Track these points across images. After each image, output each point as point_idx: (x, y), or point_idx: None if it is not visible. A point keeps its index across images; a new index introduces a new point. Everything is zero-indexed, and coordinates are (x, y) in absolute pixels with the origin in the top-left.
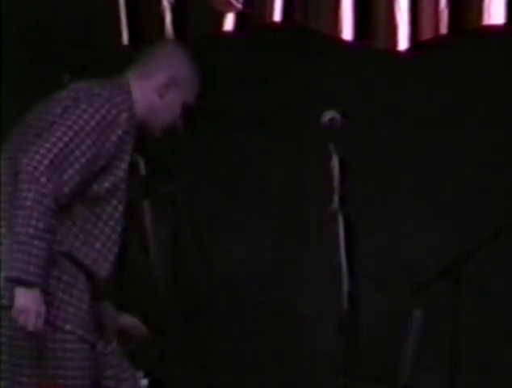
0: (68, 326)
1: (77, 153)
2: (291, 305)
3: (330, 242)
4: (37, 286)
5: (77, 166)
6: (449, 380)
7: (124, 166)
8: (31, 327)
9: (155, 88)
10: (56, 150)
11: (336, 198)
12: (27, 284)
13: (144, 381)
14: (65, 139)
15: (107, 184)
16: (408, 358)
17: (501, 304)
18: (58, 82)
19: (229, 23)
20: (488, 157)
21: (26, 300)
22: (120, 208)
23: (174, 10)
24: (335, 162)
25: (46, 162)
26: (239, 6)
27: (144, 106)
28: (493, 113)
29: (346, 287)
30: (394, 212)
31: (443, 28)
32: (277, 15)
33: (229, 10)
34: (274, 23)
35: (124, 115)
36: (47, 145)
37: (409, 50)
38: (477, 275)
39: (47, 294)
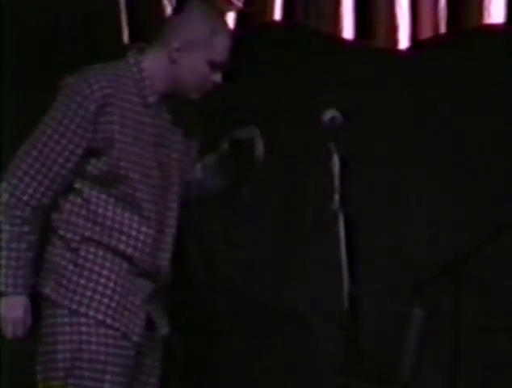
0: (82, 309)
1: (53, 155)
2: (291, 305)
3: (330, 241)
4: (8, 295)
5: (55, 168)
6: (449, 379)
7: (118, 145)
8: (8, 335)
9: (169, 56)
10: (32, 172)
11: (336, 197)
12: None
13: None
14: (34, 153)
15: (105, 167)
16: (408, 357)
17: (502, 303)
18: (58, 83)
19: (230, 21)
20: (489, 156)
21: (2, 309)
22: (129, 191)
23: (175, 9)
24: (336, 161)
25: (17, 192)
26: (239, 4)
27: (165, 76)
28: (494, 113)
29: (346, 286)
30: (394, 212)
31: (443, 27)
32: (277, 14)
33: (230, 9)
34: (274, 22)
35: (99, 93)
36: (24, 166)
37: (409, 49)
38: (477, 274)
39: (62, 278)
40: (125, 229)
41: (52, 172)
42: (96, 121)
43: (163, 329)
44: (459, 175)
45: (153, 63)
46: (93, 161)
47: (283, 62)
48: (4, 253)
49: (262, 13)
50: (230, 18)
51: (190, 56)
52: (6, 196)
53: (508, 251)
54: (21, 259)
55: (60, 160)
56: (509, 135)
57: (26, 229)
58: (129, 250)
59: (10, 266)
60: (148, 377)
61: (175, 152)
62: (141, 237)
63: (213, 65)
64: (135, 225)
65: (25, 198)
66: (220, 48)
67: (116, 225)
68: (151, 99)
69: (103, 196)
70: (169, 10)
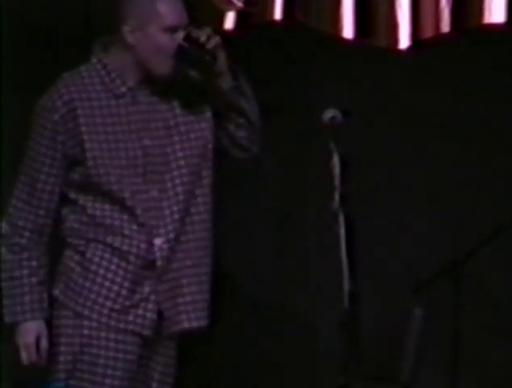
0: (86, 312)
1: (36, 174)
2: (291, 305)
3: (331, 240)
4: (18, 323)
5: (39, 185)
6: (449, 379)
7: (89, 146)
8: (24, 362)
9: (126, 43)
10: (23, 196)
11: (337, 197)
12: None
13: None
14: (22, 178)
15: (88, 170)
16: (408, 357)
17: (502, 303)
18: None
19: (230, 21)
20: (489, 156)
21: (16, 337)
22: (115, 187)
23: None
24: (336, 160)
25: (13, 219)
26: (240, 4)
27: (131, 64)
28: (494, 112)
29: (346, 286)
30: (394, 212)
31: (444, 27)
32: (278, 14)
33: (230, 9)
34: (274, 22)
35: (59, 102)
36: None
37: (409, 48)
38: (477, 274)
39: (69, 280)
40: (125, 224)
41: (38, 190)
42: (65, 130)
43: (180, 324)
44: (459, 175)
45: (115, 56)
46: (79, 169)
47: (283, 62)
48: (9, 283)
49: (263, 13)
50: (230, 18)
51: (145, 33)
52: (4, 226)
53: (508, 251)
54: (25, 286)
55: (42, 177)
56: (509, 135)
57: (25, 255)
58: (134, 250)
59: (16, 294)
60: (161, 384)
61: (174, 129)
62: (143, 232)
63: (171, 31)
64: (133, 221)
65: (21, 223)
66: (168, 12)
67: (116, 222)
68: (122, 89)
69: (99, 199)
70: None
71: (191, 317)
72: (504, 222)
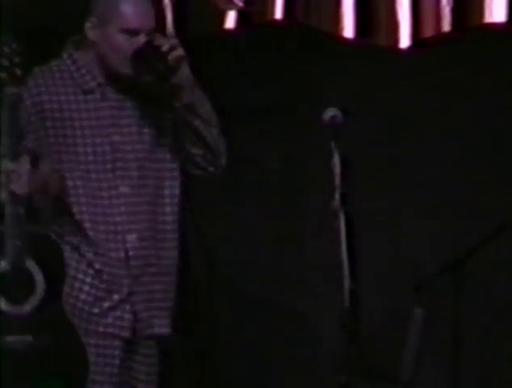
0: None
1: None
2: (291, 304)
3: (331, 239)
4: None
5: None
6: (449, 379)
7: (57, 140)
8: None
9: (88, 39)
10: None
11: (337, 196)
12: None
13: None
14: None
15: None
16: (408, 357)
17: (502, 302)
18: None
19: (230, 20)
20: (489, 155)
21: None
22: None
23: (175, 8)
24: (336, 159)
25: None
26: (240, 3)
27: (96, 60)
28: (494, 111)
29: (347, 285)
30: (394, 212)
31: (445, 26)
32: (278, 13)
33: (231, 8)
34: (275, 21)
35: (25, 95)
36: None
37: (410, 48)
38: (478, 274)
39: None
40: (95, 225)
41: None
42: (29, 122)
43: (161, 328)
44: (459, 175)
45: (83, 52)
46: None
47: (283, 62)
48: None
49: (263, 12)
50: (231, 18)
51: (104, 31)
52: None
53: (508, 251)
54: None
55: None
56: (509, 134)
57: None
58: (108, 252)
59: None
60: (147, 384)
61: (143, 128)
62: (115, 229)
63: (130, 33)
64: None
65: None
66: (129, 13)
67: (88, 224)
68: (92, 84)
69: (72, 199)
70: (169, 9)
71: (162, 323)
72: (504, 222)
